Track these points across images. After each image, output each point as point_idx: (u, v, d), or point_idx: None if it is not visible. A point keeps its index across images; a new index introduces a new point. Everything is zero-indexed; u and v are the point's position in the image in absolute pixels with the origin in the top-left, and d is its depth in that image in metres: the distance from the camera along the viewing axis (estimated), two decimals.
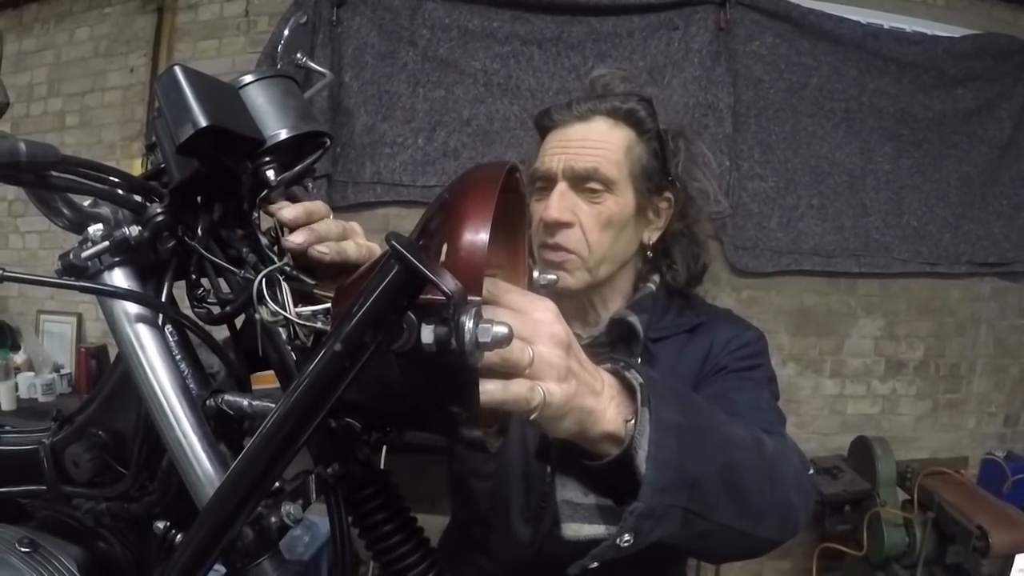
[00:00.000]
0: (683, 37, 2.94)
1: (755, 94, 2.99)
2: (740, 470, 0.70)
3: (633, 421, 0.64)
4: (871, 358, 3.23)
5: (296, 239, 0.62)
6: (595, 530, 0.68)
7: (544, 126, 1.15)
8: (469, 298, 0.46)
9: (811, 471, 0.85)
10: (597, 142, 1.07)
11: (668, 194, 1.14)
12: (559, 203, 1.06)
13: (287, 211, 0.63)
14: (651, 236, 1.15)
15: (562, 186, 1.07)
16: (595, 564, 0.65)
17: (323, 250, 0.63)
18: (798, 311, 3.14)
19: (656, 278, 1.17)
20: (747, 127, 2.97)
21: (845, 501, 2.72)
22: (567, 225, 1.06)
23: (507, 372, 0.53)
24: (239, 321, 0.65)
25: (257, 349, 0.62)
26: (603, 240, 1.07)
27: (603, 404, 0.62)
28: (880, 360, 3.23)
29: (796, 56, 3.01)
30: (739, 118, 2.95)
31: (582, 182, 1.07)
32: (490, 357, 0.51)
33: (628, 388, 0.67)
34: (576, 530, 0.68)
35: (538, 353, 0.55)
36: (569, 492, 0.70)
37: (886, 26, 3.09)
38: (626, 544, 0.62)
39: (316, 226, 0.64)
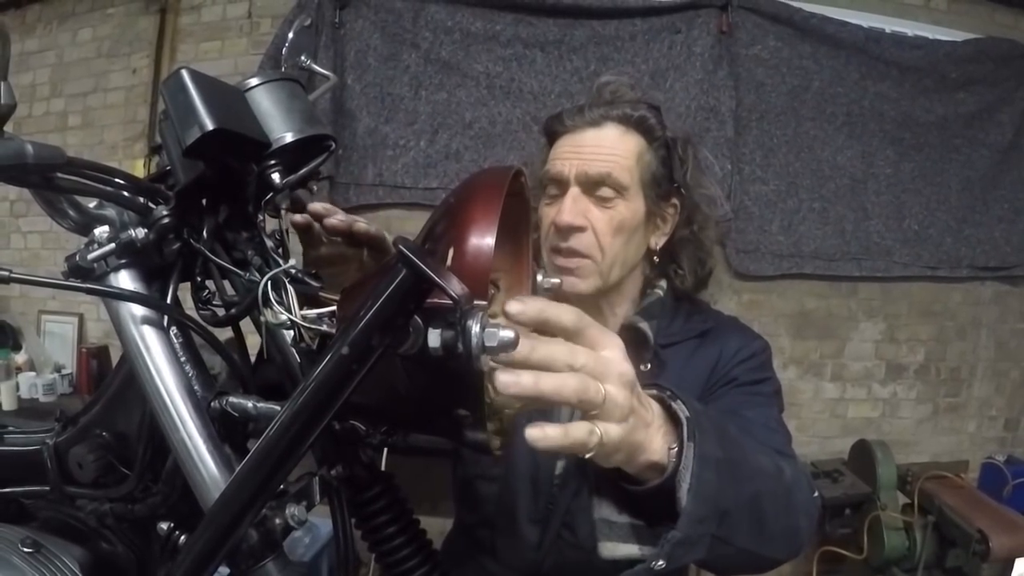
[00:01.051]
0: (685, 41, 2.94)
1: (757, 98, 2.99)
2: (763, 499, 0.72)
3: (676, 450, 0.64)
4: (872, 362, 3.22)
5: (316, 207, 0.72)
6: (629, 550, 0.70)
7: (554, 130, 1.14)
8: (475, 302, 0.46)
9: (816, 493, 0.86)
10: (609, 148, 1.07)
11: (675, 200, 1.14)
12: (572, 207, 1.05)
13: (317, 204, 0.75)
14: (658, 241, 1.15)
15: (575, 191, 1.07)
16: None
17: (340, 217, 0.78)
18: (799, 314, 3.14)
19: (663, 283, 1.17)
20: (749, 131, 2.97)
21: (845, 504, 2.73)
22: (580, 229, 1.05)
23: (580, 408, 0.54)
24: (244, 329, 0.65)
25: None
26: (614, 245, 1.07)
27: (652, 435, 0.63)
28: (881, 364, 3.23)
29: (798, 60, 3.01)
30: (741, 122, 2.95)
31: (595, 187, 1.07)
32: (569, 399, 0.52)
33: (672, 417, 0.67)
34: (612, 549, 0.70)
35: (608, 392, 0.55)
36: (605, 510, 0.71)
37: (888, 30, 3.09)
38: (659, 567, 0.63)
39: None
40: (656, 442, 0.63)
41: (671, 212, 1.15)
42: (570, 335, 0.55)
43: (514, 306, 0.51)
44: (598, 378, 0.55)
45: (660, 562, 0.63)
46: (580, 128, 1.10)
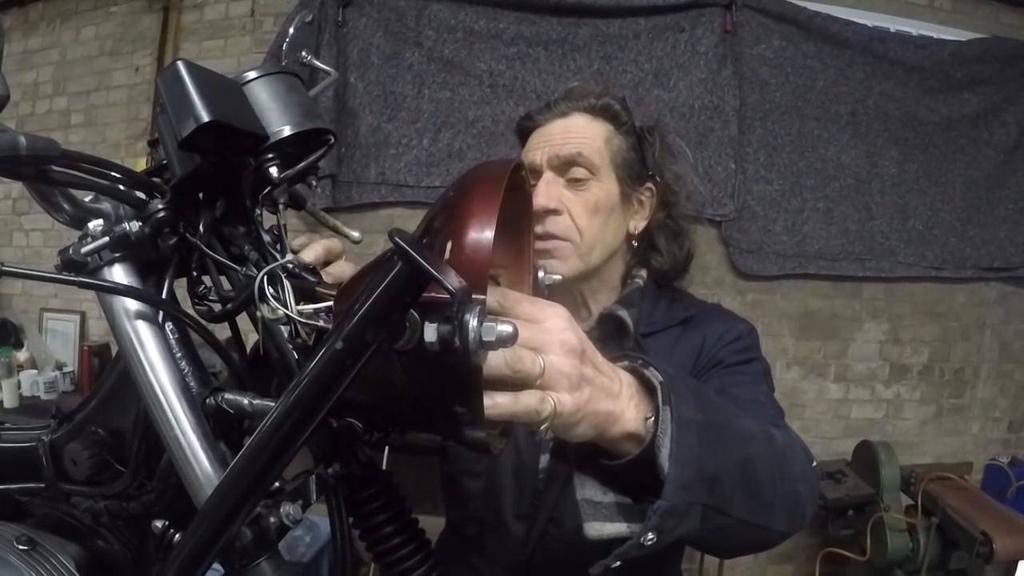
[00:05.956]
0: (689, 39, 2.94)
1: (761, 97, 2.98)
2: (754, 464, 0.71)
3: (653, 419, 0.64)
4: (875, 362, 3.22)
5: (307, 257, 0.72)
6: (617, 528, 0.68)
7: (525, 128, 1.18)
8: (473, 296, 0.45)
9: (814, 463, 0.85)
10: (578, 132, 1.10)
11: (649, 185, 1.16)
12: (546, 191, 1.07)
13: (308, 253, 0.73)
14: (637, 226, 1.17)
15: (548, 175, 1.09)
16: (618, 563, 0.65)
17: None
18: (803, 315, 3.14)
19: (644, 272, 1.18)
20: (752, 130, 2.97)
21: (849, 506, 2.72)
22: (555, 212, 1.07)
23: (518, 383, 0.53)
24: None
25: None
26: (592, 225, 1.09)
27: (622, 405, 0.63)
28: (884, 364, 3.22)
29: (802, 59, 3.01)
30: (745, 121, 2.95)
31: (567, 169, 1.09)
32: (500, 369, 0.51)
33: (646, 386, 0.67)
34: (599, 529, 0.68)
35: (549, 363, 0.55)
36: (588, 491, 0.70)
37: (892, 29, 3.09)
38: (650, 542, 0.62)
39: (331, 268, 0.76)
40: (629, 412, 0.63)
41: (647, 196, 1.17)
42: (499, 315, 0.54)
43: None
44: (537, 348, 0.55)
45: (649, 535, 0.62)
46: (549, 120, 1.14)
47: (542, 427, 0.56)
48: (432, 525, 0.77)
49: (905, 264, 3.11)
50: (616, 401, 0.62)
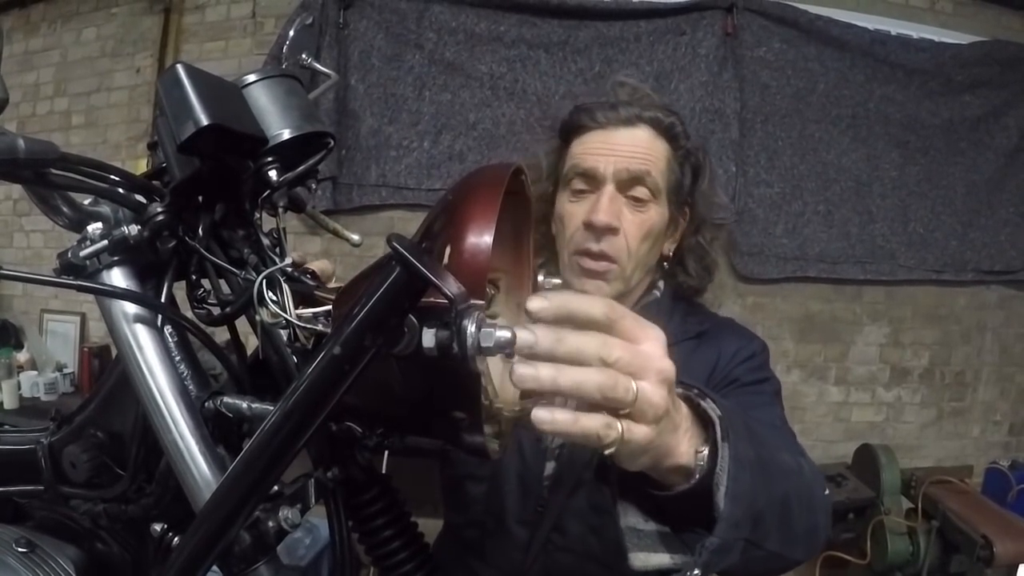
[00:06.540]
0: (690, 42, 2.94)
1: (762, 100, 2.98)
2: (790, 499, 0.69)
3: (704, 453, 0.61)
4: (876, 365, 3.22)
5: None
6: (661, 559, 0.65)
7: (582, 124, 1.10)
8: (472, 301, 0.45)
9: (827, 491, 0.84)
10: (645, 149, 1.05)
11: (686, 208, 1.13)
12: (609, 207, 1.02)
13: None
14: (669, 248, 1.14)
15: (611, 190, 1.04)
16: None
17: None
18: (803, 318, 3.13)
19: (662, 284, 1.16)
20: (753, 133, 2.97)
21: (849, 509, 2.71)
22: (615, 232, 1.03)
23: (606, 407, 0.50)
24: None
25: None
26: (641, 249, 1.05)
27: (679, 438, 0.59)
28: (885, 367, 3.22)
29: (803, 62, 3.01)
30: (745, 124, 2.95)
31: (631, 186, 1.04)
32: (592, 394, 0.48)
33: (700, 417, 0.63)
34: (644, 560, 0.66)
35: (642, 391, 0.50)
36: (631, 519, 0.67)
37: (893, 32, 3.09)
38: None
39: None
40: (683, 445, 0.59)
41: (682, 220, 1.14)
42: (602, 329, 0.50)
43: (535, 303, 0.47)
44: (633, 374, 0.50)
45: (696, 571, 0.60)
46: (613, 125, 1.07)
47: (605, 452, 0.51)
48: (431, 528, 0.77)
49: (906, 267, 3.11)
50: (676, 435, 0.58)
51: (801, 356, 3.14)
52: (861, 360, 3.20)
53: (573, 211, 1.07)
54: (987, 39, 3.14)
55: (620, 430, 0.50)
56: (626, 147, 1.05)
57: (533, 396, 0.59)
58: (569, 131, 1.12)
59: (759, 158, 2.99)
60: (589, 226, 1.03)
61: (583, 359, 0.48)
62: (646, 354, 0.52)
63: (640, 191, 1.04)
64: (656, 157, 1.06)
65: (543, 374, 0.47)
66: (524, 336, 0.46)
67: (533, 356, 0.47)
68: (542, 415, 0.48)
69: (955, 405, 3.30)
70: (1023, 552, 2.36)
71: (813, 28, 3.00)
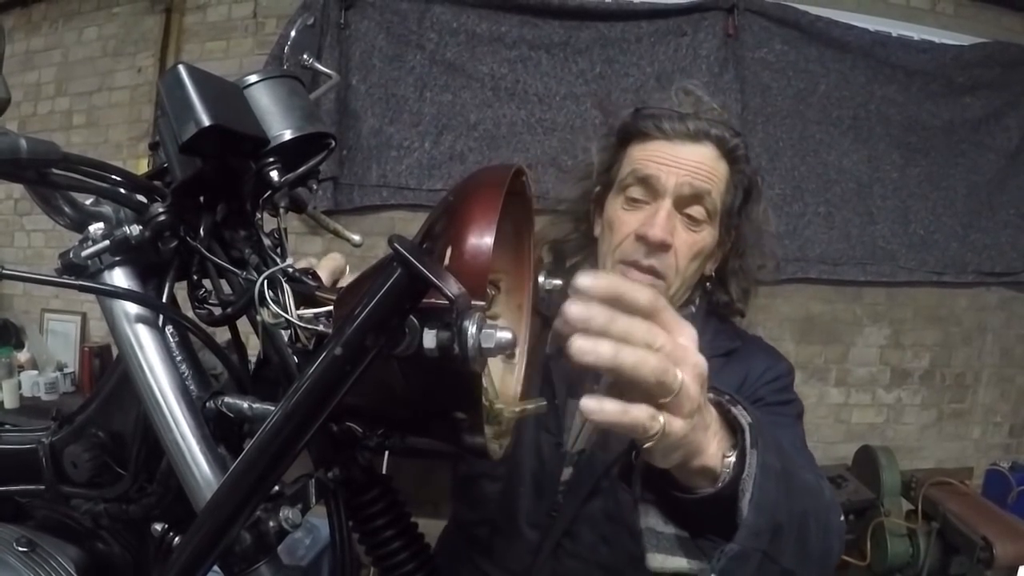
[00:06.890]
0: (691, 43, 2.94)
1: (762, 101, 2.98)
2: (809, 517, 0.69)
3: (731, 459, 0.61)
4: (876, 367, 3.21)
5: None
6: (678, 563, 0.66)
7: (644, 132, 1.06)
8: (473, 302, 0.45)
9: (842, 518, 0.83)
10: (709, 168, 1.03)
11: (733, 232, 1.12)
12: (665, 223, 1.00)
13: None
14: (711, 268, 1.13)
15: (668, 205, 1.02)
16: None
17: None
18: (804, 319, 3.13)
19: (697, 300, 1.15)
20: (754, 134, 2.96)
21: (849, 510, 2.71)
22: (667, 249, 1.01)
23: (650, 393, 0.50)
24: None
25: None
26: (689, 269, 1.04)
27: (709, 438, 0.59)
28: (885, 369, 3.22)
29: (804, 63, 3.01)
30: (746, 125, 2.94)
31: (689, 204, 1.02)
32: (647, 377, 0.49)
33: (728, 423, 0.64)
34: (661, 562, 0.66)
35: (683, 381, 0.51)
36: (652, 520, 0.68)
37: (894, 34, 3.08)
38: None
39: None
40: (712, 447, 0.59)
41: (728, 241, 1.13)
42: (645, 316, 0.51)
43: (585, 279, 0.48)
44: (675, 364, 0.51)
45: None
46: (679, 137, 1.04)
47: (645, 445, 0.52)
48: (431, 528, 0.77)
49: (906, 268, 3.11)
50: (706, 434, 0.59)
51: (801, 357, 3.13)
52: (861, 361, 3.20)
53: (625, 219, 1.05)
54: (988, 40, 3.14)
55: (662, 422, 0.51)
56: (690, 162, 1.02)
57: (533, 397, 0.59)
58: (629, 135, 1.09)
59: (760, 159, 2.97)
60: (642, 239, 1.01)
61: (631, 340, 0.49)
62: (684, 347, 0.53)
63: (696, 210, 1.02)
64: (718, 178, 1.04)
65: (603, 349, 0.47)
66: (578, 309, 0.47)
67: (584, 330, 0.47)
68: (591, 404, 0.49)
69: (955, 407, 3.30)
70: (1023, 554, 2.36)
71: (814, 29, 3.00)
